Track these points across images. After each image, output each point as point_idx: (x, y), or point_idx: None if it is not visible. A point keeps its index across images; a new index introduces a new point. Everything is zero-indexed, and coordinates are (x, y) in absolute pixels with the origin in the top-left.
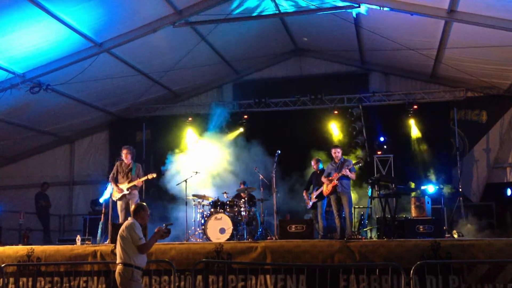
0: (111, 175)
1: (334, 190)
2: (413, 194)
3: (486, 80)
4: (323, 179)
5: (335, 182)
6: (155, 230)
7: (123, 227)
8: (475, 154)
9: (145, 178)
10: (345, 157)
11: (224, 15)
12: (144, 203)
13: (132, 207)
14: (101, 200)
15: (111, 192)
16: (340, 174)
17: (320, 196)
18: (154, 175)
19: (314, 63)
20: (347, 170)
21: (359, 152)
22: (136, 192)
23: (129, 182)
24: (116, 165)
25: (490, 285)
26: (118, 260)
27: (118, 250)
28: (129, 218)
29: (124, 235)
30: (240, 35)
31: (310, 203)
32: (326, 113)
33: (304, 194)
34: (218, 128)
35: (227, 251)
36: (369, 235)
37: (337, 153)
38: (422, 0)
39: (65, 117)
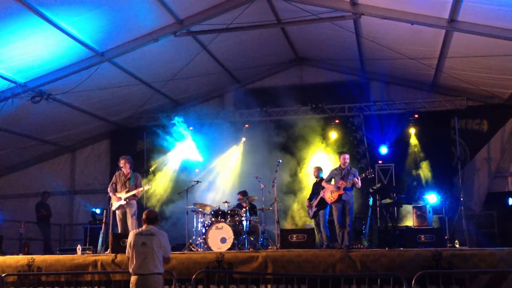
0: (110, 185)
1: (339, 198)
2: (414, 203)
3: (486, 89)
4: (324, 183)
5: (342, 190)
6: None
7: (155, 236)
8: (476, 163)
9: (142, 189)
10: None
11: (225, 25)
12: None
13: (148, 215)
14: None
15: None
16: (348, 184)
17: (321, 205)
18: (149, 187)
19: (315, 72)
20: (358, 180)
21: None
22: (134, 202)
23: (127, 192)
24: (115, 175)
25: None
26: (147, 271)
27: (147, 259)
28: (150, 226)
29: (161, 243)
30: (241, 44)
31: (312, 213)
32: (327, 122)
33: (306, 204)
34: (218, 137)
35: (228, 261)
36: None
37: (346, 159)
38: (423, 10)
39: (67, 126)
